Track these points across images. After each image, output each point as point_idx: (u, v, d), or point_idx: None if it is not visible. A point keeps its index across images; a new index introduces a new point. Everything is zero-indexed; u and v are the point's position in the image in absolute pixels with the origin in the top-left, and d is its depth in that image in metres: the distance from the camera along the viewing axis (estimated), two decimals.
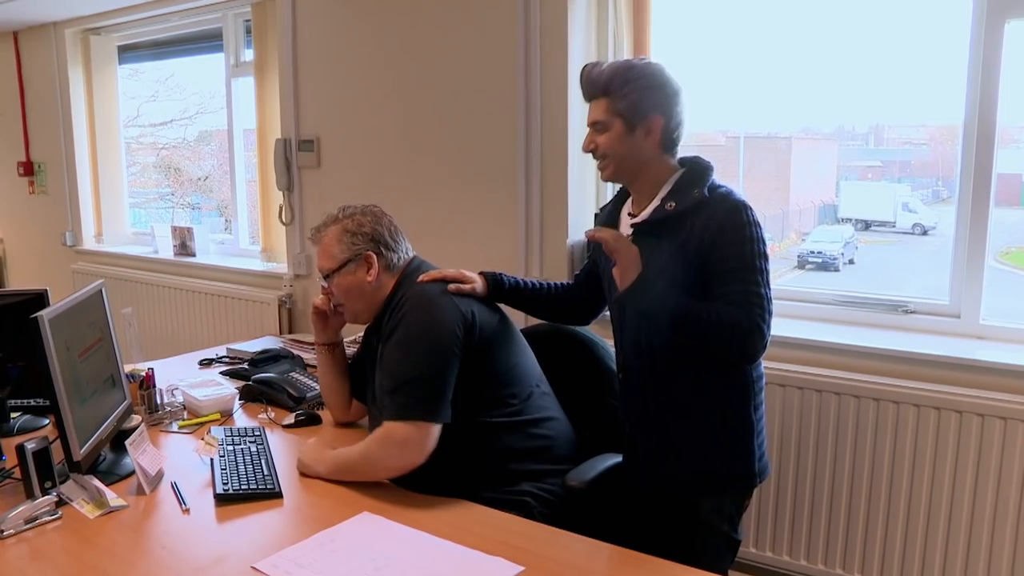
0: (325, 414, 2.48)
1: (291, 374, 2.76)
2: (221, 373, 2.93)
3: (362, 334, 2.32)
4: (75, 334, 1.99)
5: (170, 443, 2.31)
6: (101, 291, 2.27)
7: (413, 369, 1.94)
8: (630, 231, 1.96)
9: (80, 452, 1.86)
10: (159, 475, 2.01)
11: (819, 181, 3.46)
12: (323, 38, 3.79)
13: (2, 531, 1.71)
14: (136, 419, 2.29)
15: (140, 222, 5.79)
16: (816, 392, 2.66)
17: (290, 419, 2.44)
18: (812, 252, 3.31)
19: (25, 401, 2.42)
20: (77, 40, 5.26)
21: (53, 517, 1.79)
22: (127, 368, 2.45)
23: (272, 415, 2.50)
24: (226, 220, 5.30)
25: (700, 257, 1.83)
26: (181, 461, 2.14)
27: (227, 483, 1.93)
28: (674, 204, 1.88)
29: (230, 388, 2.62)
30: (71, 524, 1.79)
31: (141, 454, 1.96)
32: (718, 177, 1.94)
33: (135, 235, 5.56)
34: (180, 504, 1.87)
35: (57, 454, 1.89)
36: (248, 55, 4.46)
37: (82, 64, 5.29)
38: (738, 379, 1.91)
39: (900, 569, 2.60)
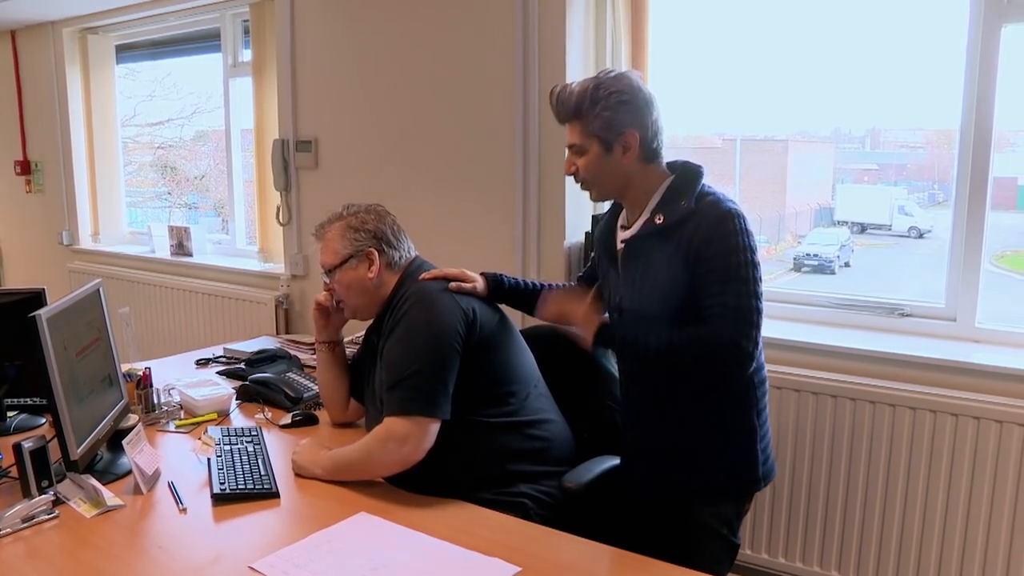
0: (322, 414, 2.48)
1: (288, 374, 2.77)
2: (218, 373, 2.93)
3: (362, 334, 2.33)
4: (73, 333, 1.99)
5: (167, 443, 2.31)
6: (99, 290, 2.26)
7: (414, 365, 1.94)
8: (621, 246, 1.97)
9: (77, 451, 1.86)
10: (156, 475, 2.00)
11: (815, 184, 3.47)
12: (321, 39, 3.79)
13: None
14: (133, 418, 2.29)
15: (137, 221, 5.78)
16: (812, 395, 2.67)
17: (287, 419, 2.44)
18: (808, 255, 3.32)
19: (22, 400, 2.43)
20: (75, 39, 5.26)
21: (50, 516, 1.79)
22: (124, 367, 2.45)
23: (269, 415, 2.50)
24: (223, 220, 5.30)
25: (689, 268, 1.82)
26: (178, 461, 2.14)
27: (224, 483, 1.92)
28: (663, 217, 1.87)
29: (227, 388, 2.62)
30: (68, 523, 1.79)
31: (138, 453, 1.96)
32: (713, 181, 1.93)
33: (132, 234, 5.56)
34: (177, 504, 1.87)
35: (54, 453, 1.89)
36: (246, 55, 4.47)
37: (80, 63, 5.29)
38: (739, 384, 1.90)
39: (895, 572, 2.60)
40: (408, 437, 1.91)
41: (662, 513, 1.98)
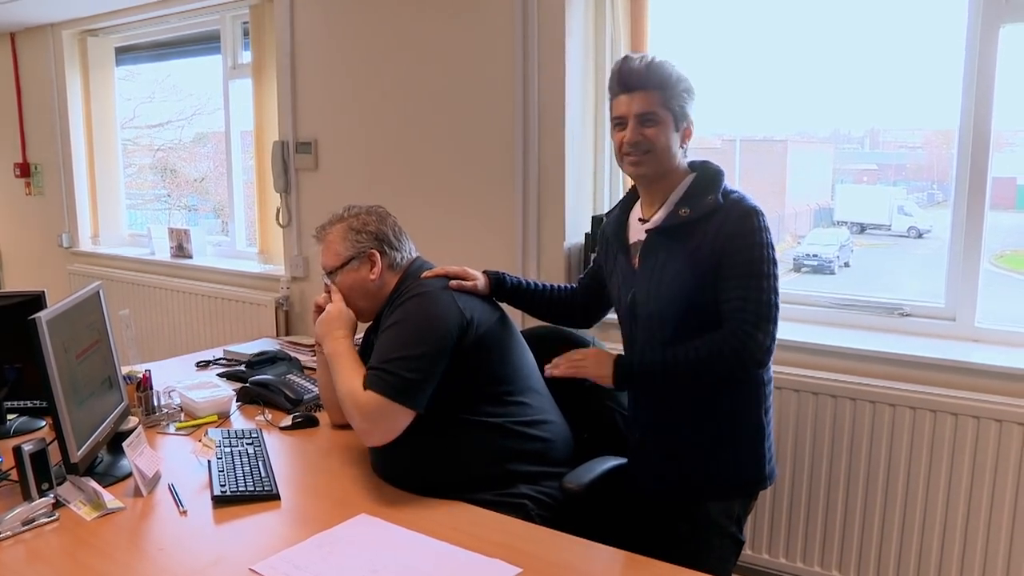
0: (322, 416, 2.48)
1: (288, 376, 2.76)
2: (218, 375, 2.93)
3: (361, 335, 2.33)
4: (73, 336, 1.99)
5: (167, 445, 2.31)
6: (99, 292, 2.26)
7: (400, 352, 1.93)
8: (643, 236, 1.97)
9: (77, 454, 1.86)
10: (156, 477, 2.00)
11: (815, 184, 3.47)
12: (321, 40, 3.79)
13: None
14: (133, 421, 2.29)
15: (137, 224, 5.78)
16: (812, 395, 2.67)
17: (287, 421, 2.44)
18: (808, 255, 3.32)
19: (22, 403, 2.42)
20: (74, 41, 5.26)
21: (50, 519, 1.79)
22: (124, 370, 2.45)
23: (269, 417, 2.50)
24: (223, 222, 5.30)
25: (712, 262, 1.84)
26: (178, 463, 2.14)
27: (224, 485, 1.93)
28: (688, 211, 1.89)
29: (227, 390, 2.62)
30: (68, 526, 1.79)
31: (138, 456, 1.96)
32: None
33: (132, 237, 5.56)
34: (177, 506, 1.87)
35: (54, 456, 1.89)
36: (246, 57, 4.47)
37: (79, 65, 5.29)
38: (748, 382, 1.92)
39: (896, 571, 2.60)
40: (377, 416, 1.90)
41: (670, 511, 1.99)
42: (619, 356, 1.95)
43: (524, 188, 3.20)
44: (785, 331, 2.75)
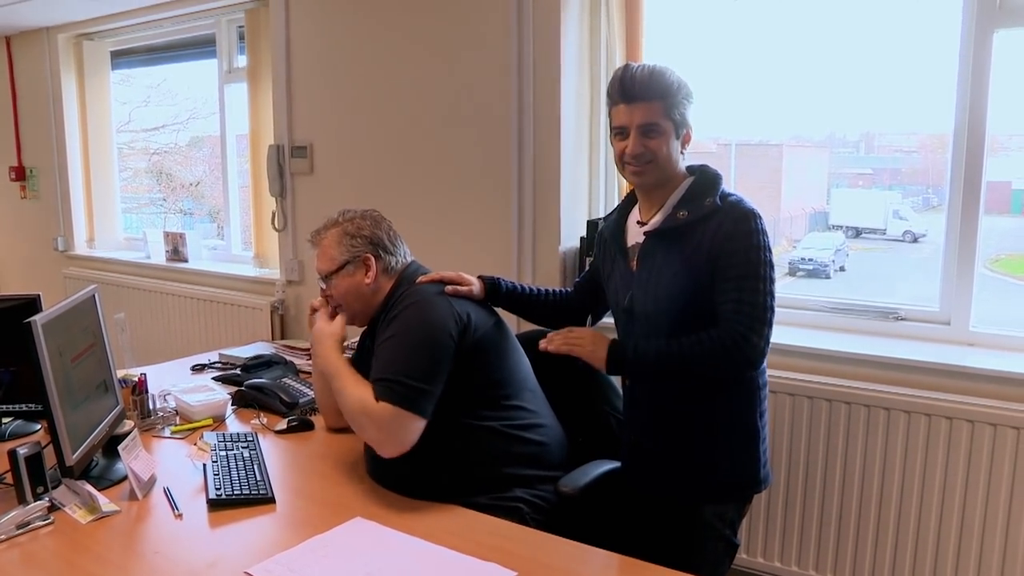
0: (317, 420, 2.48)
1: (284, 380, 2.76)
2: (214, 379, 2.92)
3: (357, 339, 2.33)
4: (68, 339, 1.99)
5: (163, 448, 2.30)
6: (94, 296, 2.26)
7: (403, 363, 1.93)
8: (641, 239, 1.98)
9: (72, 457, 1.85)
10: (151, 480, 2.00)
11: (810, 188, 3.48)
12: (316, 44, 3.79)
13: None
14: (129, 424, 2.28)
15: (132, 227, 5.78)
16: (807, 398, 2.67)
17: (282, 425, 2.44)
18: (803, 259, 3.33)
19: (17, 406, 2.42)
20: (70, 45, 5.26)
21: (45, 522, 1.79)
22: (120, 373, 2.44)
23: (264, 421, 2.50)
24: (218, 226, 5.30)
25: (710, 264, 1.85)
26: (174, 466, 2.14)
27: (220, 488, 1.92)
28: (686, 213, 1.90)
29: (223, 394, 2.62)
30: (63, 529, 1.78)
31: (134, 459, 1.96)
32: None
33: (127, 240, 5.55)
34: (173, 509, 1.87)
35: (49, 459, 1.88)
36: (241, 61, 4.47)
37: (75, 69, 5.29)
38: (744, 386, 1.93)
39: (890, 575, 2.61)
40: (395, 426, 1.90)
41: (664, 513, 1.99)
42: (614, 340, 1.96)
43: (519, 192, 3.21)
44: (780, 335, 2.76)
